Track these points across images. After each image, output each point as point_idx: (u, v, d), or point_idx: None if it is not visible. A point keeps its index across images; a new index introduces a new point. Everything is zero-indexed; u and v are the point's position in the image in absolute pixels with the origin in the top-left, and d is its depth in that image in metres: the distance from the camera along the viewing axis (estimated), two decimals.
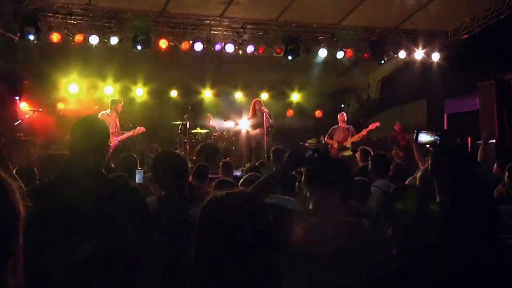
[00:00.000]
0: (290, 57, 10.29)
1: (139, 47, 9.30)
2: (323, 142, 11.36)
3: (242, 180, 4.46)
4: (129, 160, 4.54)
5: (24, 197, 1.13)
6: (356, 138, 10.33)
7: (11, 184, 1.11)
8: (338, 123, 10.63)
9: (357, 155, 7.28)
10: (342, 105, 13.77)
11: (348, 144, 10.35)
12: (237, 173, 6.34)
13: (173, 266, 2.62)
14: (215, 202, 1.59)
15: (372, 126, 10.52)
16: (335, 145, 10.41)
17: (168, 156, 3.48)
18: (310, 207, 2.25)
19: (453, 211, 2.23)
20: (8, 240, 1.09)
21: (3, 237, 1.07)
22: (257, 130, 9.86)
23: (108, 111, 9.51)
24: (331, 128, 10.69)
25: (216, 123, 11.76)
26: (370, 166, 5.23)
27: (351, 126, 10.66)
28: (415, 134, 3.29)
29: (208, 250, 1.52)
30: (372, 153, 6.92)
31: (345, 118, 10.67)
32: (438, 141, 3.22)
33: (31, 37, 8.62)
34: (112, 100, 9.77)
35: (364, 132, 10.43)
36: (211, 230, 1.53)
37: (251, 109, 10.17)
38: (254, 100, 10.45)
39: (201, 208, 1.60)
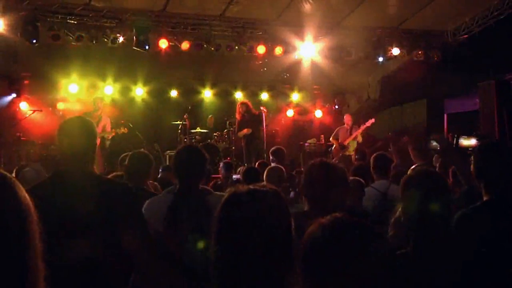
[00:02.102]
0: (296, 57, 10.41)
1: (146, 47, 9.24)
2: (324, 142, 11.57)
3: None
4: (144, 160, 4.20)
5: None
6: (352, 137, 10.53)
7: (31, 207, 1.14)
8: (343, 124, 11.02)
9: (353, 155, 7.41)
10: (336, 106, 13.83)
11: (346, 143, 10.61)
12: (235, 176, 6.32)
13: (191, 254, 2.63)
14: (238, 196, 1.55)
15: (368, 123, 10.63)
16: (337, 145, 10.74)
17: (191, 151, 3.38)
18: (306, 209, 2.25)
19: (503, 209, 2.31)
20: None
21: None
22: (245, 131, 10.21)
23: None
24: (337, 128, 11.04)
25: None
26: (371, 166, 5.26)
27: (355, 126, 10.82)
28: (455, 139, 3.30)
29: (228, 243, 1.51)
30: (366, 153, 7.01)
31: (350, 120, 10.91)
32: (479, 143, 3.22)
33: (31, 37, 8.61)
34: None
35: (359, 130, 10.57)
36: (232, 224, 1.51)
37: (236, 112, 10.50)
38: (238, 103, 10.78)
39: (223, 201, 1.57)
